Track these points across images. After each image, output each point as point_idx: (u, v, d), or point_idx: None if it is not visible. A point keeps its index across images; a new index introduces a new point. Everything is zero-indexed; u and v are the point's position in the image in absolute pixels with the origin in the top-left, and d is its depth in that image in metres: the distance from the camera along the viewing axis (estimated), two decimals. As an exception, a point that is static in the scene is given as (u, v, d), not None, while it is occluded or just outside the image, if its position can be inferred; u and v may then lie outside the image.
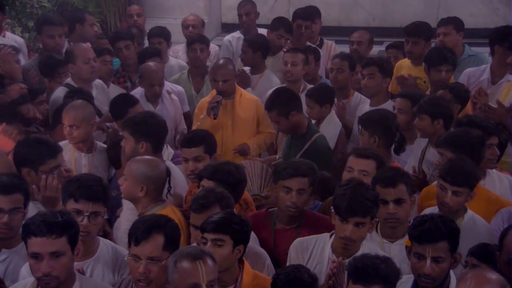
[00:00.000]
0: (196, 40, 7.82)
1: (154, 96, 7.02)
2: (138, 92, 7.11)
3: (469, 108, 6.54)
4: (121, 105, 6.30)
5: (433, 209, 4.86)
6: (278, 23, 8.20)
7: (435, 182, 5.28)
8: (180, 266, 3.71)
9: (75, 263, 4.12)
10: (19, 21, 9.11)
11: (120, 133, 5.82)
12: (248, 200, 5.31)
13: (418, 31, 7.66)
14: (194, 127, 6.88)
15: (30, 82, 7.08)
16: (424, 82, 7.35)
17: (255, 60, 7.76)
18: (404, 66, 7.70)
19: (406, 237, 4.45)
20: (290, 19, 8.49)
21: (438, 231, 4.02)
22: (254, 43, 7.83)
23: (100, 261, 4.32)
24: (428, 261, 4.01)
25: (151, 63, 7.16)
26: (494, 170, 5.41)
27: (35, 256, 3.75)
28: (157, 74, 7.01)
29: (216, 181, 4.76)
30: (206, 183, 4.79)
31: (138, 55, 7.81)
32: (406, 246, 4.18)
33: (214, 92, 6.90)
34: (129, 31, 8.31)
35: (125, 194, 4.92)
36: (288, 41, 8.14)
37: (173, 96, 7.23)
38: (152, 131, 5.51)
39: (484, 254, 4.31)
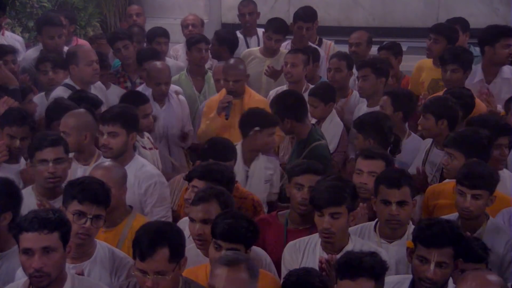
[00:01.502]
0: (202, 40, 7.81)
1: (160, 96, 7.00)
2: (144, 91, 7.03)
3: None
4: (131, 102, 6.27)
5: (453, 216, 4.82)
6: (267, 25, 8.15)
7: (446, 181, 5.32)
8: (214, 267, 3.76)
9: (74, 265, 4.16)
10: (19, 21, 9.12)
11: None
12: (260, 202, 5.37)
13: (442, 29, 7.64)
14: (203, 126, 6.90)
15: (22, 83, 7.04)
16: None
17: (221, 54, 7.86)
18: (425, 66, 7.64)
19: (406, 238, 4.53)
20: (290, 19, 8.47)
21: (445, 237, 4.01)
22: (220, 36, 8.02)
23: (97, 263, 4.30)
24: (432, 265, 4.01)
25: (157, 62, 7.15)
26: (505, 170, 5.41)
27: (27, 252, 3.75)
28: (163, 73, 7.00)
29: (207, 180, 4.75)
30: (197, 183, 4.79)
31: (136, 57, 7.76)
32: (407, 248, 4.18)
33: (224, 91, 6.89)
34: (127, 31, 8.29)
35: (114, 203, 4.76)
36: (287, 43, 8.13)
37: (180, 96, 7.22)
38: (138, 122, 5.61)
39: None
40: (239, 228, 4.09)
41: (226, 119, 6.68)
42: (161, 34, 8.23)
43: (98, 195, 4.30)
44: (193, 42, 7.79)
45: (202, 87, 7.75)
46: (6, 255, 4.36)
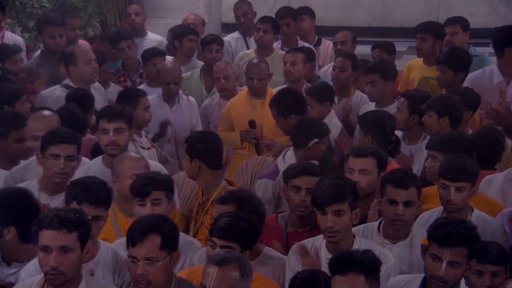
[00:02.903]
0: (213, 40, 7.82)
1: (169, 95, 7.00)
2: (155, 91, 7.08)
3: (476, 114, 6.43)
4: (129, 98, 6.22)
5: (432, 212, 4.87)
6: (256, 22, 8.26)
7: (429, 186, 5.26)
8: (206, 266, 3.78)
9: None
10: (19, 21, 9.14)
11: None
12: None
13: (426, 27, 7.62)
14: (221, 134, 6.50)
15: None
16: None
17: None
18: (415, 65, 7.62)
19: (410, 239, 4.55)
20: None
21: (459, 236, 4.01)
22: (175, 33, 8.09)
23: (100, 263, 4.31)
24: (444, 264, 4.01)
25: (168, 62, 7.17)
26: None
27: (44, 249, 3.77)
28: (173, 73, 7.00)
29: None
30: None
31: (142, 55, 7.73)
32: (422, 245, 4.18)
33: (245, 91, 6.90)
34: (128, 31, 8.30)
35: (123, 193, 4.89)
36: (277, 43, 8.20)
37: (190, 98, 7.22)
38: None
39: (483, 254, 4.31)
40: (234, 227, 4.08)
41: (258, 154, 6.61)
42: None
43: (98, 196, 4.31)
44: (206, 42, 7.81)
45: (212, 88, 7.74)
46: (22, 265, 4.30)
